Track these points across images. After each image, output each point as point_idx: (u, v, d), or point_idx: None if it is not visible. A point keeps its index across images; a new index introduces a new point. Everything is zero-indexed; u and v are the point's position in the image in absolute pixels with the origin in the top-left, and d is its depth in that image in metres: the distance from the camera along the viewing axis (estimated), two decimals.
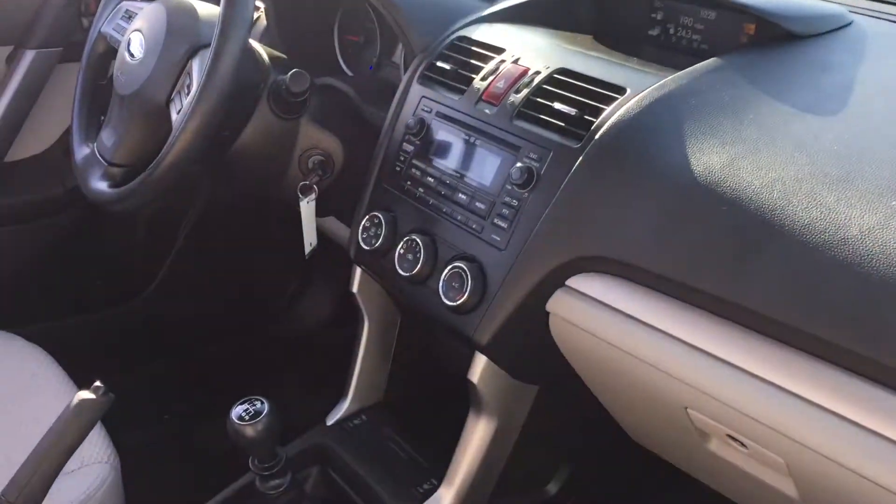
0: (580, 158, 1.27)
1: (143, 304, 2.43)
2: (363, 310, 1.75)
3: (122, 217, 2.35)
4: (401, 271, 1.50)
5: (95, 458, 1.65)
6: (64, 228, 2.28)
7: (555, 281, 1.32)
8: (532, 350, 1.43)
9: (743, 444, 1.15)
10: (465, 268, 1.39)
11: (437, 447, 1.69)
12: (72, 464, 1.63)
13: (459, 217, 1.46)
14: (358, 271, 1.72)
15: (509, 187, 1.36)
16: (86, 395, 1.37)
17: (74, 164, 1.66)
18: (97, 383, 1.36)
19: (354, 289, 1.73)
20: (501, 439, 1.51)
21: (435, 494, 1.56)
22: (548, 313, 1.36)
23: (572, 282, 1.30)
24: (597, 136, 1.27)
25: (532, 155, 1.35)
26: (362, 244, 1.59)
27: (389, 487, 1.60)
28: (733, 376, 1.06)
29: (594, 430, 1.64)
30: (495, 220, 1.39)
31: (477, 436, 1.50)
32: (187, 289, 2.47)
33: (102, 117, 1.69)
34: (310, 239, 1.73)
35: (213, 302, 2.55)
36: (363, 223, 1.59)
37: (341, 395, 1.81)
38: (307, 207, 1.67)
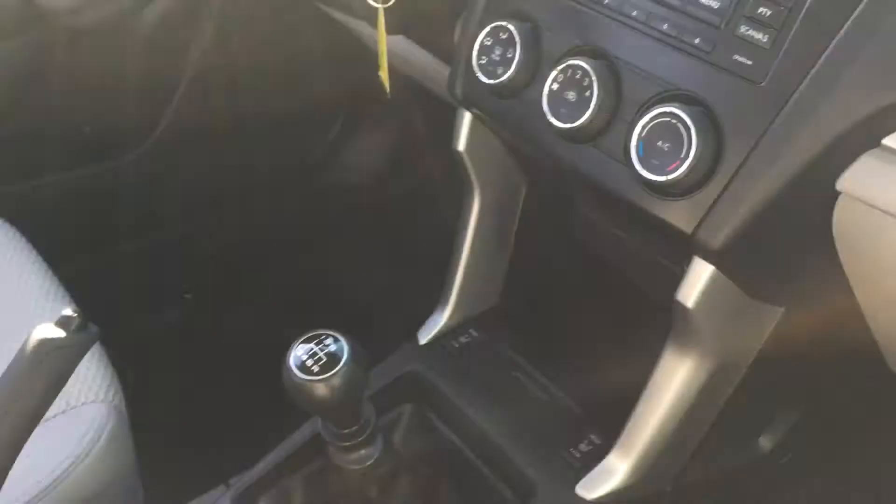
0: None
1: (138, 160, 1.87)
2: (473, 177, 1.17)
3: (105, 38, 1.71)
4: (553, 120, 0.93)
5: (89, 395, 1.17)
6: (31, 54, 1.68)
7: (860, 140, 0.77)
8: (791, 254, 0.86)
9: None
10: (684, 115, 0.81)
11: (589, 380, 1.15)
12: (57, 405, 1.15)
13: (666, 26, 0.86)
14: (467, 119, 1.12)
15: None
16: (50, 332, 0.85)
17: None
18: (69, 312, 0.84)
19: (461, 146, 1.14)
20: (717, 385, 0.98)
21: (604, 464, 1.03)
22: (836, 194, 0.80)
23: (893, 140, 0.75)
24: None
25: None
26: (479, 75, 1.01)
27: (525, 446, 1.08)
28: None
29: (835, 366, 1.08)
30: (743, 30, 0.81)
31: (679, 380, 0.96)
32: (198, 137, 1.88)
33: None
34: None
35: (229, 155, 1.97)
36: (480, 39, 1.01)
37: (436, 298, 1.26)
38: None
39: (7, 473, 0.83)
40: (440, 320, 1.24)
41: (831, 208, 0.81)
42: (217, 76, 1.90)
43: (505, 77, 0.98)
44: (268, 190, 2.06)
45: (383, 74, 1.18)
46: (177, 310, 1.93)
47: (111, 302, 1.72)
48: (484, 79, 1.01)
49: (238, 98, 1.97)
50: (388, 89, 1.17)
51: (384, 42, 1.17)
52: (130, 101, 1.83)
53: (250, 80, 1.96)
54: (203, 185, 1.97)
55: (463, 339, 1.23)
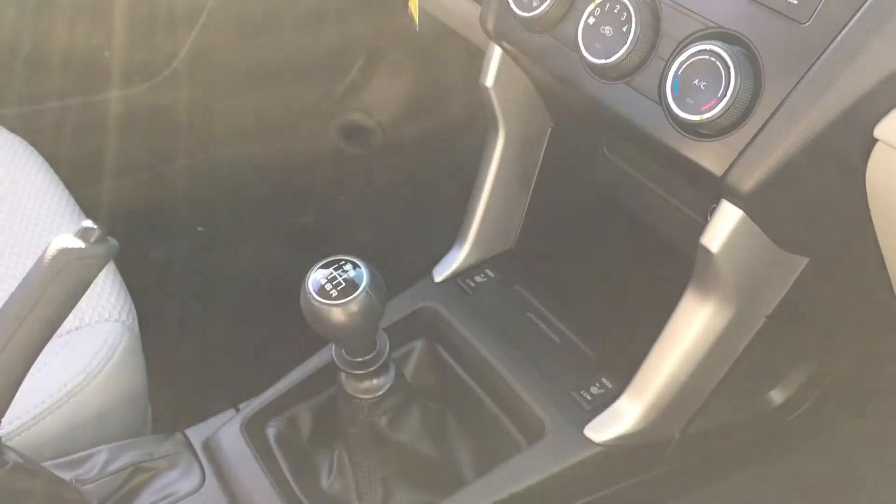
0: None
1: (156, 88, 1.85)
2: (498, 115, 1.15)
3: None
4: (588, 55, 0.91)
5: (104, 314, 1.16)
6: None
7: None
8: (821, 202, 0.85)
9: None
10: (724, 53, 0.80)
11: (602, 325, 1.14)
12: (71, 321, 1.16)
13: None
14: (497, 54, 1.10)
15: None
16: (70, 242, 0.84)
17: None
18: (89, 224, 0.82)
19: (489, 81, 1.12)
20: (735, 334, 0.97)
21: (614, 407, 1.02)
22: (873, 141, 0.78)
23: None
24: None
25: None
26: (513, 7, 0.99)
27: (535, 386, 1.07)
28: None
29: (855, 323, 1.07)
30: None
31: (697, 327, 0.95)
32: (216, 69, 1.87)
33: None
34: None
35: (247, 89, 1.96)
36: None
37: (453, 237, 1.25)
38: None
39: (22, 380, 0.83)
40: (457, 258, 1.23)
41: (867, 156, 0.79)
42: (235, 13, 1.87)
43: (540, 10, 0.96)
44: (285, 126, 2.04)
45: (413, 6, 1.16)
46: (190, 241, 1.93)
47: (127, 229, 1.72)
48: (518, 11, 0.99)
49: (258, 32, 1.94)
50: (416, 21, 1.15)
51: None
52: (150, 29, 1.80)
53: (272, 14, 1.93)
54: (220, 118, 1.95)
55: (479, 279, 1.22)
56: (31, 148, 1.42)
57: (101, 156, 1.73)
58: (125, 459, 1.03)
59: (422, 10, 1.30)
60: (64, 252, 0.83)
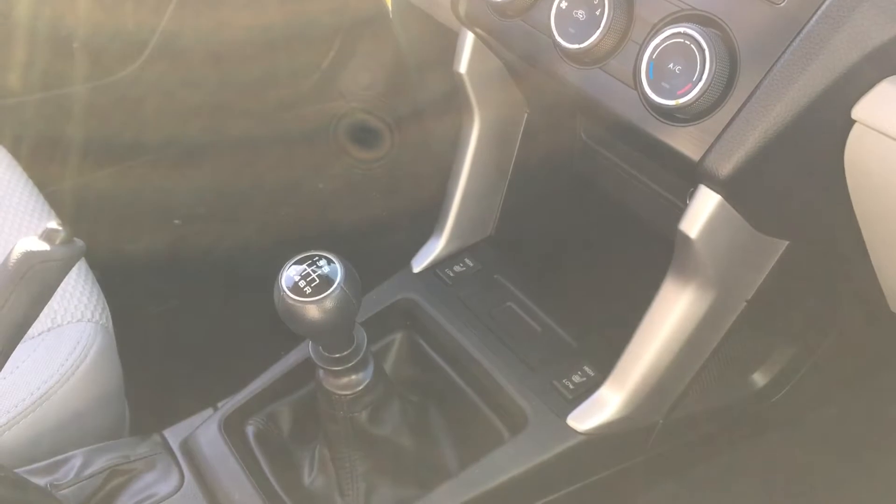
0: None
1: (127, 80, 1.80)
2: (473, 102, 1.13)
3: None
4: (561, 40, 0.89)
5: (76, 314, 1.15)
6: None
7: (879, 66, 0.74)
8: (800, 186, 0.84)
9: None
10: (699, 36, 0.78)
11: (583, 312, 1.13)
12: (43, 322, 1.14)
13: None
14: (469, 40, 1.08)
15: None
16: (34, 244, 0.81)
17: None
18: (53, 225, 0.80)
19: (462, 68, 1.10)
20: (716, 318, 0.96)
21: (596, 395, 1.01)
22: (851, 122, 0.77)
23: None
24: None
25: None
26: None
27: (516, 376, 1.06)
28: None
29: (836, 305, 1.06)
30: None
31: (678, 313, 0.94)
32: (188, 58, 1.83)
33: None
34: None
35: (221, 78, 1.92)
36: None
37: (431, 227, 1.23)
38: None
39: None
40: (435, 248, 1.21)
41: (844, 138, 0.78)
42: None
43: None
44: (260, 114, 2.01)
45: None
46: (166, 235, 1.90)
47: (100, 224, 1.68)
48: None
49: (231, 19, 1.91)
50: (390, 7, 1.13)
51: None
52: (120, 17, 1.77)
53: (242, 3, 1.90)
54: (194, 108, 1.92)
55: (458, 268, 1.20)
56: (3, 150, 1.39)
57: (70, 150, 1.70)
58: (101, 462, 1.01)
59: None
60: (28, 255, 0.81)
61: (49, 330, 1.12)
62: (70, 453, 1.02)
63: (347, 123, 2.08)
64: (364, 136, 2.05)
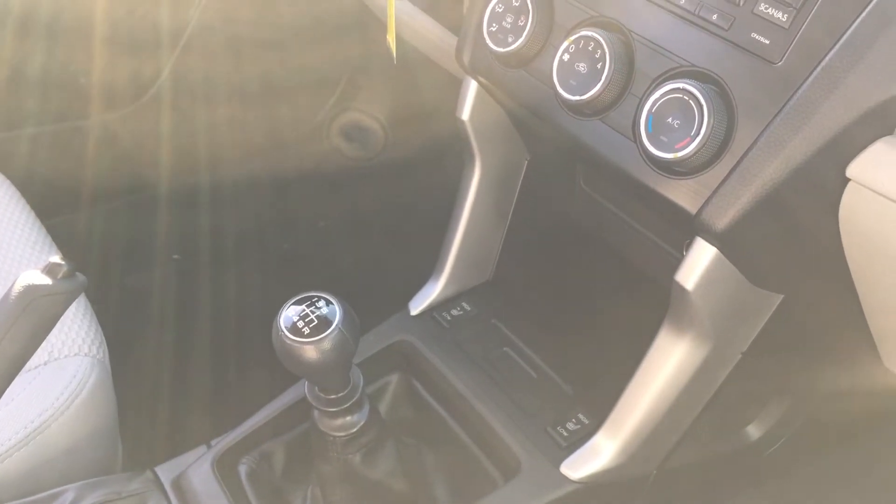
0: None
1: (133, 115, 1.83)
2: (475, 148, 1.15)
3: None
4: (562, 91, 0.91)
5: (73, 348, 1.15)
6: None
7: (873, 127, 0.75)
8: (795, 241, 0.85)
9: None
10: (697, 92, 0.79)
11: (579, 359, 1.13)
12: (40, 355, 1.13)
13: (684, 1, 0.84)
14: (473, 88, 1.10)
15: None
16: (37, 278, 0.82)
17: None
18: (56, 259, 0.81)
19: (465, 115, 1.12)
20: (711, 370, 0.97)
21: (590, 444, 1.01)
22: (846, 181, 0.79)
23: None
24: None
25: None
26: (489, 42, 0.99)
27: (511, 422, 1.06)
28: None
29: (830, 360, 1.07)
30: (763, 8, 0.80)
31: (673, 363, 0.95)
32: (194, 95, 1.87)
33: None
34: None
35: (225, 116, 1.96)
36: (492, 6, 0.99)
37: (430, 270, 1.24)
38: None
39: None
40: (433, 292, 1.22)
41: (839, 196, 0.79)
42: (217, 36, 1.86)
43: (515, 45, 0.96)
44: (263, 154, 2.03)
45: (391, 38, 1.16)
46: (165, 270, 1.91)
47: (100, 258, 1.69)
48: (493, 47, 0.98)
49: (238, 59, 1.93)
50: (394, 54, 1.15)
51: (392, 6, 1.14)
52: (129, 54, 1.79)
53: (251, 42, 1.93)
54: (198, 145, 1.94)
55: (455, 312, 1.21)
56: (1, 175, 1.40)
57: (73, 183, 1.71)
58: (92, 499, 1.00)
59: (400, 39, 1.29)
60: (31, 289, 0.82)
61: (46, 363, 1.12)
62: (62, 488, 1.01)
63: (348, 164, 2.10)
64: (364, 177, 2.07)
